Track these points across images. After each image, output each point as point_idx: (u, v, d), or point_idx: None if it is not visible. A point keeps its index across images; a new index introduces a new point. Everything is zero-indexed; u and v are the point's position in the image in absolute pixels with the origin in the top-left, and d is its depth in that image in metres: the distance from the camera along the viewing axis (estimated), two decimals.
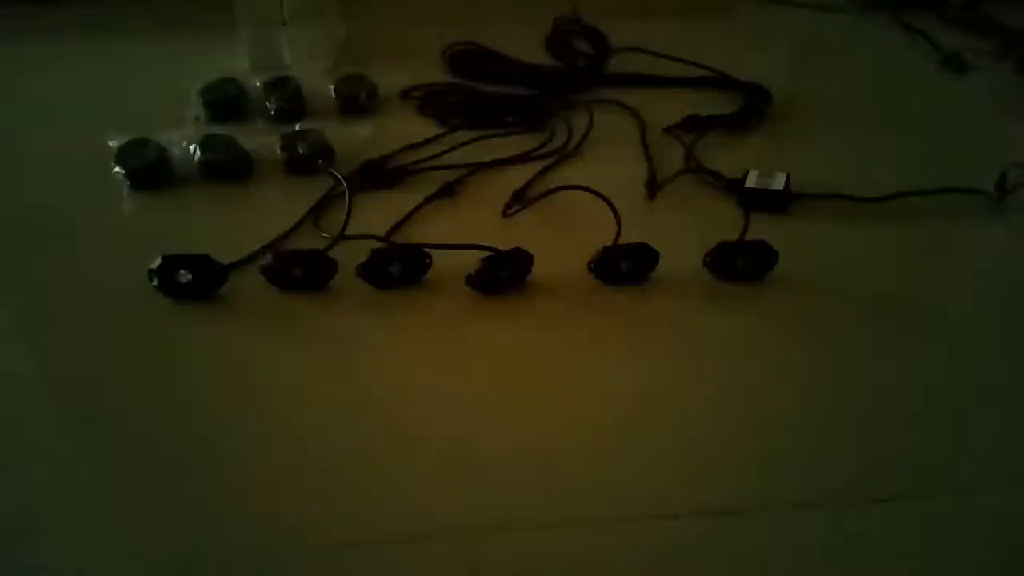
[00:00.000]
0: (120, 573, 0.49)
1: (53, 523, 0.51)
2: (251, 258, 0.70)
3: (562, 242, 0.71)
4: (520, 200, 0.76)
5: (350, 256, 0.67)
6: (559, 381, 0.60)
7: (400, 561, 0.49)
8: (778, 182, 0.76)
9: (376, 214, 0.74)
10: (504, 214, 0.75)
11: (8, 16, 1.13)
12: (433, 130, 0.87)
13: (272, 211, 0.75)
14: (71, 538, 0.51)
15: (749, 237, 0.68)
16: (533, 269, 0.67)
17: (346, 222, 0.71)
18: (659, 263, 0.67)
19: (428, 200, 0.77)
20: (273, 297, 0.67)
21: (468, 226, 0.74)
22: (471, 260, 0.66)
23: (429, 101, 0.93)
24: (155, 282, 0.65)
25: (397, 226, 0.73)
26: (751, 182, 0.76)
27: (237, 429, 0.57)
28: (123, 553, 0.50)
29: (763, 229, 0.69)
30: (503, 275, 0.66)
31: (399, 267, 0.67)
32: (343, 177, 0.76)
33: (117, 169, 0.80)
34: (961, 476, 0.54)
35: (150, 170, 0.80)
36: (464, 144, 0.85)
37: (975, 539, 0.50)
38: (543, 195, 0.75)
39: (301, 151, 0.81)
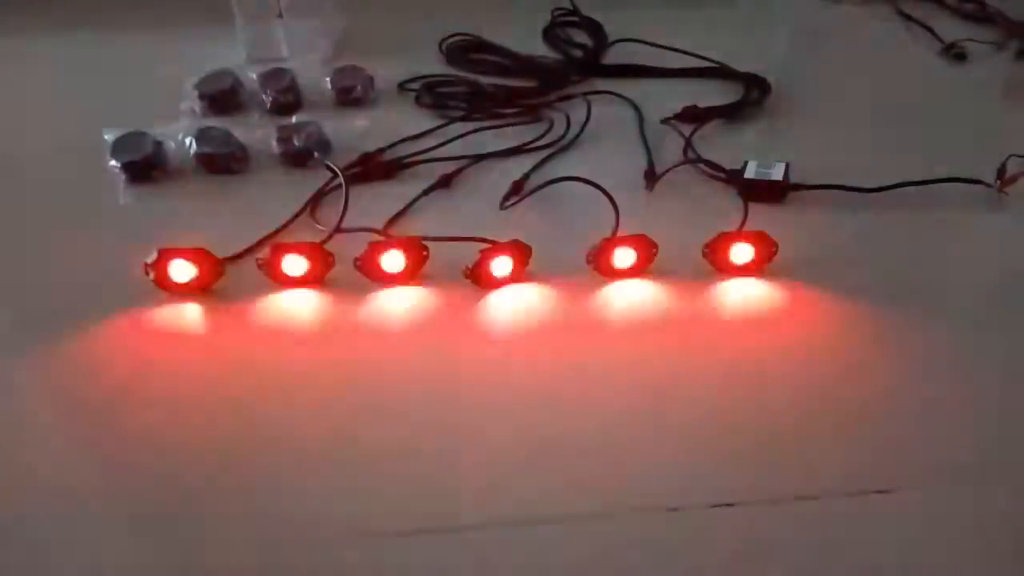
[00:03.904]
0: (120, 571, 0.49)
1: (53, 521, 0.51)
2: (248, 251, 0.69)
3: (560, 234, 0.71)
4: (518, 192, 0.76)
5: (347, 249, 0.67)
6: (557, 373, 0.60)
7: (402, 556, 0.49)
8: (777, 172, 0.76)
9: (373, 206, 0.73)
10: (502, 206, 0.75)
11: (3, 9, 1.13)
12: (430, 122, 0.87)
13: (269, 204, 0.75)
14: (69, 534, 0.50)
15: (748, 228, 0.68)
16: (531, 261, 0.67)
17: (343, 215, 0.70)
18: (658, 254, 0.67)
19: (425, 192, 0.76)
20: (270, 290, 0.67)
21: (466, 218, 0.74)
22: (469, 252, 0.65)
23: (426, 93, 0.92)
24: (151, 275, 0.65)
25: (394, 218, 0.73)
26: (750, 172, 0.76)
27: (234, 422, 0.57)
28: (123, 551, 0.50)
29: (762, 219, 0.69)
30: (501, 267, 0.66)
31: (396, 260, 0.67)
32: (340, 169, 0.76)
33: (113, 162, 0.79)
34: (961, 468, 0.54)
35: (146, 163, 0.79)
36: (461, 136, 0.84)
37: (976, 532, 0.50)
38: (541, 187, 0.75)
39: (298, 143, 0.81)
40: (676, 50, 0.98)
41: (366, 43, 1.02)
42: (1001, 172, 0.75)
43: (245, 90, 0.91)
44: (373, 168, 0.80)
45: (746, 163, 0.77)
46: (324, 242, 0.68)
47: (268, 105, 0.90)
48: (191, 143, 0.81)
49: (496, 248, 0.66)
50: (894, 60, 1.02)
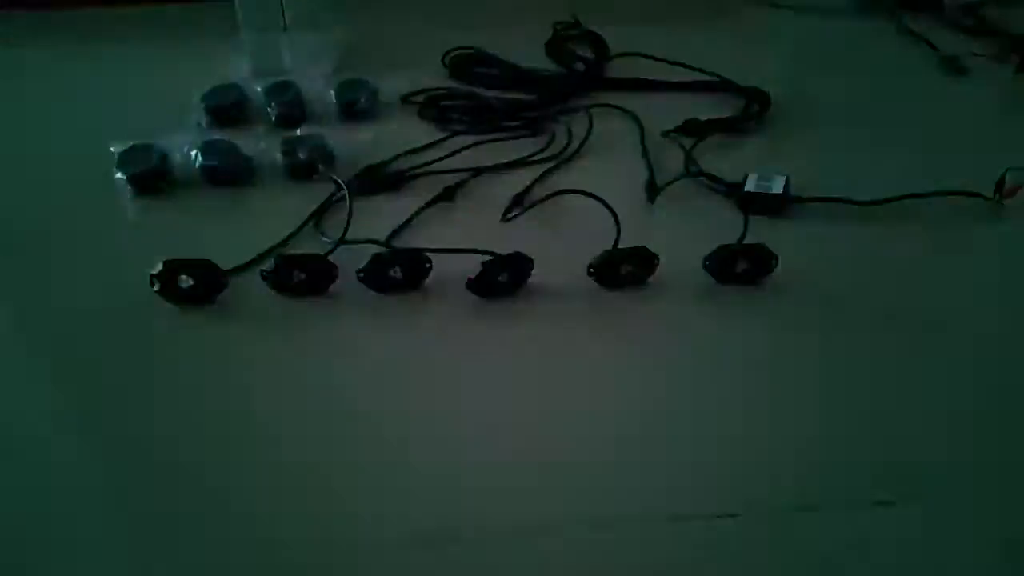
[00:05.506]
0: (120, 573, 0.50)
1: (52, 524, 0.52)
2: (252, 263, 0.70)
3: (562, 246, 0.71)
4: (520, 204, 0.77)
5: (351, 261, 0.67)
6: (559, 385, 0.60)
7: (401, 567, 0.49)
8: (777, 185, 0.76)
9: (376, 219, 0.74)
10: (504, 218, 0.76)
11: (10, 22, 1.14)
12: (433, 134, 0.88)
13: (273, 216, 0.76)
14: (70, 540, 0.51)
15: (748, 240, 0.68)
16: (533, 273, 0.67)
17: (347, 227, 0.71)
18: (659, 266, 0.67)
19: (428, 204, 0.77)
20: (274, 302, 0.67)
21: (468, 230, 0.74)
22: (471, 264, 0.66)
23: (429, 106, 0.93)
24: (156, 287, 0.66)
25: (397, 231, 0.74)
26: (750, 185, 0.77)
27: (238, 433, 0.57)
28: (122, 556, 0.50)
29: (762, 232, 0.69)
30: (503, 279, 0.67)
31: (399, 272, 0.67)
32: (344, 182, 0.76)
33: (119, 174, 0.80)
34: (961, 478, 0.54)
35: (151, 175, 0.80)
36: (464, 148, 0.85)
37: (976, 545, 0.50)
38: (543, 199, 0.75)
39: (302, 156, 0.81)
40: (678, 64, 0.99)
41: (370, 56, 1.03)
42: (1000, 184, 0.75)
43: (250, 103, 0.92)
44: (376, 180, 0.80)
45: (746, 176, 0.77)
46: (328, 254, 0.68)
47: (273, 118, 0.90)
48: (196, 155, 0.81)
49: (498, 260, 0.66)
50: (894, 73, 1.02)
